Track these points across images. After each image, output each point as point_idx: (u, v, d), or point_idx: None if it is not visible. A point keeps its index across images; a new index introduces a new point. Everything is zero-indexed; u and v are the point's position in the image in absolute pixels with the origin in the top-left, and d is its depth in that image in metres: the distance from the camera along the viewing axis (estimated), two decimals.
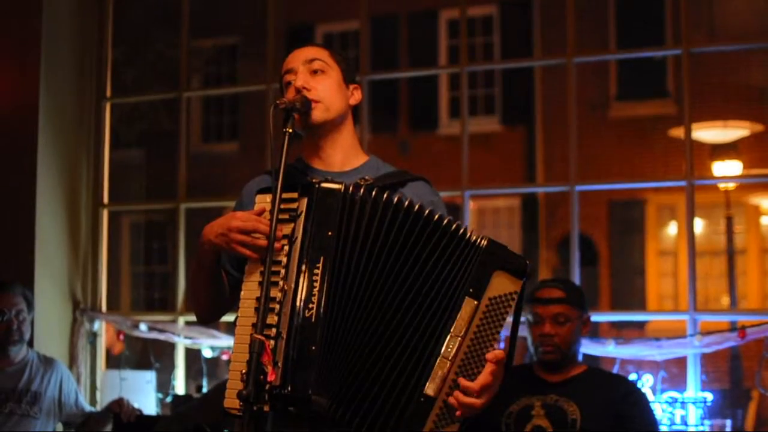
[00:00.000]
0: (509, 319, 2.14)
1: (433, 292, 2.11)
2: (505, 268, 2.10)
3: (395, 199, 2.15)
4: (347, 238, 2.13)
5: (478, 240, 2.13)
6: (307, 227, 2.14)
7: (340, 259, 2.12)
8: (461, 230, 2.13)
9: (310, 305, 2.09)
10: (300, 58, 2.39)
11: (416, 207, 2.14)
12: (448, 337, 2.08)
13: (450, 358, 2.07)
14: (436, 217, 2.14)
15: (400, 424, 2.07)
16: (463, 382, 2.06)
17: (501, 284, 2.10)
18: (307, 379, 2.06)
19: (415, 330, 2.10)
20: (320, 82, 2.36)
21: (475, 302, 2.09)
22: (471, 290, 2.09)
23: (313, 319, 2.09)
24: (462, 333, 2.08)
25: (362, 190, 2.16)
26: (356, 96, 2.44)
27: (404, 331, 2.10)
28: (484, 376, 2.06)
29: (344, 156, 2.40)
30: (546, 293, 3.61)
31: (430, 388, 2.07)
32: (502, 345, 2.16)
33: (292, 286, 2.11)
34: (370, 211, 2.14)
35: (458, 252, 2.12)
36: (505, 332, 2.20)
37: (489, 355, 2.07)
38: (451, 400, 2.07)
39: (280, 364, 2.06)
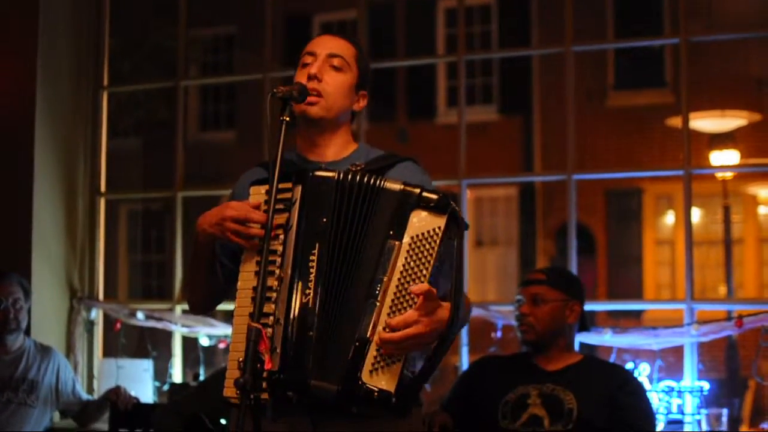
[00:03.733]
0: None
1: (374, 247, 2.15)
2: (423, 206, 2.16)
3: (372, 180, 2.19)
4: (339, 223, 2.17)
5: (393, 186, 2.18)
6: (302, 215, 2.19)
7: (334, 244, 2.16)
8: (382, 183, 2.19)
9: (307, 291, 2.14)
10: (326, 46, 2.41)
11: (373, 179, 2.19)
12: (379, 281, 2.13)
13: (378, 299, 2.12)
14: (368, 180, 2.19)
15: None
16: (387, 319, 2.10)
17: (422, 222, 2.15)
18: (305, 364, 2.10)
19: (364, 287, 2.14)
20: (333, 78, 2.37)
21: (397, 242, 2.14)
22: (391, 233, 2.15)
23: (310, 305, 2.13)
24: (388, 274, 2.12)
25: (350, 176, 2.20)
26: (361, 103, 2.48)
27: (362, 293, 2.14)
28: (408, 312, 2.09)
29: (336, 149, 2.43)
30: (527, 276, 3.71)
31: (362, 331, 2.12)
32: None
33: (289, 272, 2.16)
34: (356, 195, 2.19)
35: (381, 203, 2.17)
36: None
37: (413, 289, 2.09)
38: (377, 338, 2.11)
39: (278, 350, 2.10)
